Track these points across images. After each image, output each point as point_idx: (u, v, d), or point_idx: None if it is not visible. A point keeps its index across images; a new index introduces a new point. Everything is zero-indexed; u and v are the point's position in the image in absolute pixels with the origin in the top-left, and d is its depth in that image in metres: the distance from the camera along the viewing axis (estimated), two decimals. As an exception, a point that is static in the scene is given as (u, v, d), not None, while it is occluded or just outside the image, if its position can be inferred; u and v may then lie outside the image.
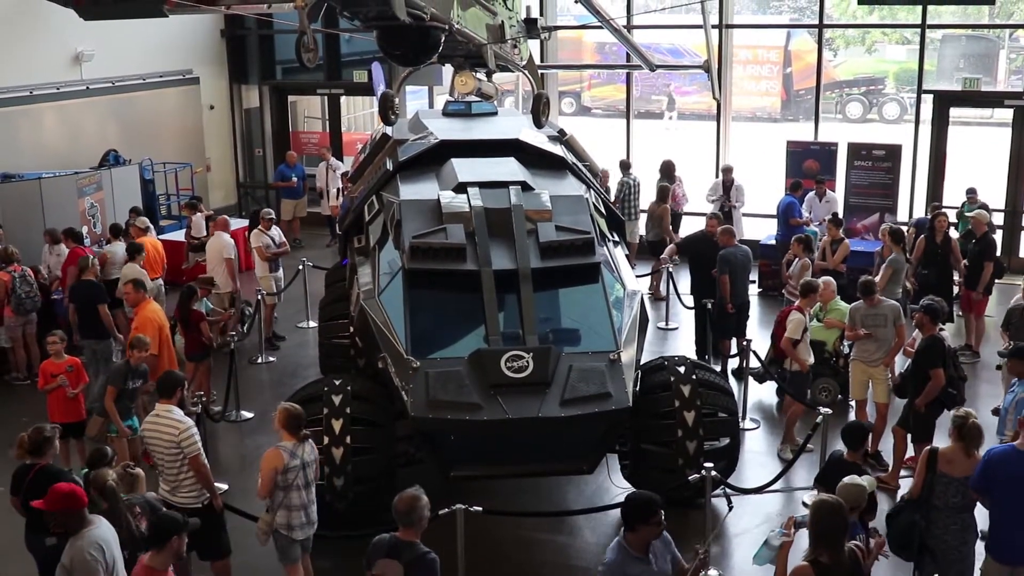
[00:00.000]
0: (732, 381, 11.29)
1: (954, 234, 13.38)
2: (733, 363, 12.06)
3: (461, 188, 9.37)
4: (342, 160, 19.27)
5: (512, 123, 11.54)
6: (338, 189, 17.73)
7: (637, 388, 8.36)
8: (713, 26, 14.82)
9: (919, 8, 16.38)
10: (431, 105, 18.86)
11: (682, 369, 8.87)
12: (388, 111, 10.62)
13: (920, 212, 15.84)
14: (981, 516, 7.13)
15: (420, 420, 7.85)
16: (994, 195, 15.94)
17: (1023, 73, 27.40)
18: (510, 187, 9.33)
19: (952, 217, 13.89)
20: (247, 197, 20.93)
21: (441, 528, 7.22)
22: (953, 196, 15.71)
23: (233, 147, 20.74)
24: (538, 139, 10.81)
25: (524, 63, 12.53)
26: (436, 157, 10.24)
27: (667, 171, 16.19)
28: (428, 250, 8.63)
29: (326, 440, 8.22)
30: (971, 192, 14.75)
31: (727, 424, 8.95)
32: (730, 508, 7.92)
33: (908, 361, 9.68)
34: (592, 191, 10.48)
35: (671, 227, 15.32)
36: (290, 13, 8.68)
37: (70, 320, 11.84)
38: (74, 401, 9.57)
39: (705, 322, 12.14)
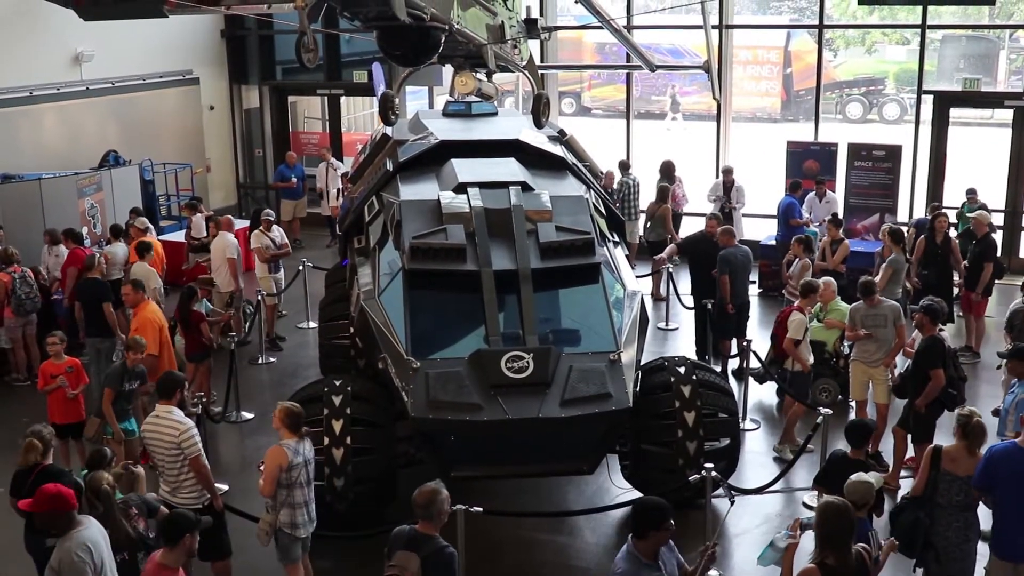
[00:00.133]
0: (732, 381, 11.30)
1: (953, 234, 13.38)
2: (733, 363, 12.06)
3: (461, 188, 9.37)
4: (342, 160, 19.27)
5: (512, 123, 11.54)
6: (338, 189, 17.72)
7: (637, 388, 8.36)
8: (713, 26, 14.80)
9: (919, 8, 16.38)
10: (431, 105, 18.87)
11: (682, 370, 8.86)
12: (388, 111, 10.62)
13: (920, 213, 15.83)
14: (983, 516, 7.13)
15: (420, 421, 7.85)
16: (994, 196, 15.94)
17: (1023, 74, 27.39)
18: (510, 187, 9.32)
19: (952, 218, 13.89)
20: (247, 198, 20.93)
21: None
22: (953, 197, 15.71)
23: (233, 148, 20.74)
24: (538, 139, 10.80)
25: (524, 63, 12.53)
26: (436, 157, 10.24)
27: (667, 171, 16.19)
28: (428, 250, 8.63)
29: (326, 441, 8.22)
30: (971, 192, 14.75)
31: (727, 424, 8.95)
32: (732, 502, 7.91)
33: (908, 361, 9.68)
34: (592, 191, 10.48)
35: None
36: (290, 13, 8.69)
37: (75, 317, 11.86)
38: (74, 402, 9.56)
39: (705, 322, 12.14)
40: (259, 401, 11.57)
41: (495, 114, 11.89)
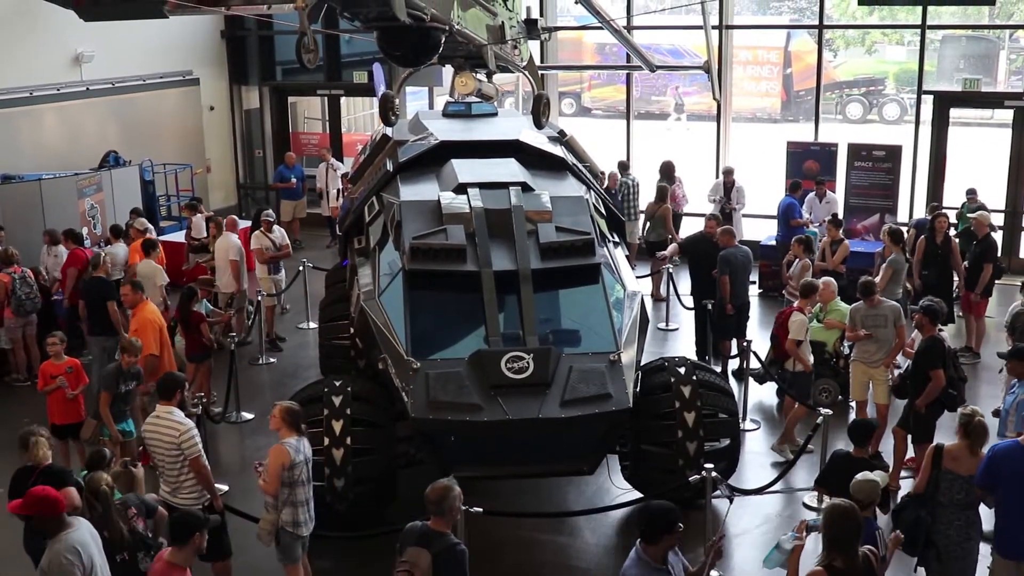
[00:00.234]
0: (732, 382, 11.30)
1: (952, 233, 13.37)
2: (733, 364, 12.06)
3: (461, 189, 9.37)
4: (342, 161, 19.27)
5: (512, 124, 11.54)
6: (338, 190, 17.73)
7: (637, 389, 8.36)
8: (713, 27, 14.80)
9: (919, 9, 16.38)
10: (431, 106, 18.87)
11: (682, 370, 8.86)
12: (388, 112, 10.62)
13: (920, 213, 15.83)
14: (986, 517, 7.14)
15: (420, 421, 7.85)
16: (994, 196, 15.94)
17: (1023, 74, 27.39)
18: (510, 188, 9.33)
19: (952, 218, 13.89)
20: (247, 198, 20.94)
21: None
22: (953, 197, 15.71)
23: (233, 148, 20.75)
24: (538, 140, 10.81)
25: (524, 64, 12.53)
26: (436, 158, 10.24)
27: (667, 172, 16.18)
28: (428, 251, 8.63)
29: (327, 441, 8.22)
30: (971, 193, 14.75)
31: (727, 425, 8.95)
32: (731, 501, 7.91)
33: (908, 362, 9.68)
34: (592, 192, 10.48)
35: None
36: (290, 14, 8.68)
37: (79, 315, 11.87)
38: (73, 402, 9.56)
39: (705, 323, 12.14)
40: (259, 401, 11.56)
41: (495, 115, 11.89)
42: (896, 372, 10.10)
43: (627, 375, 8.14)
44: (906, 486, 8.58)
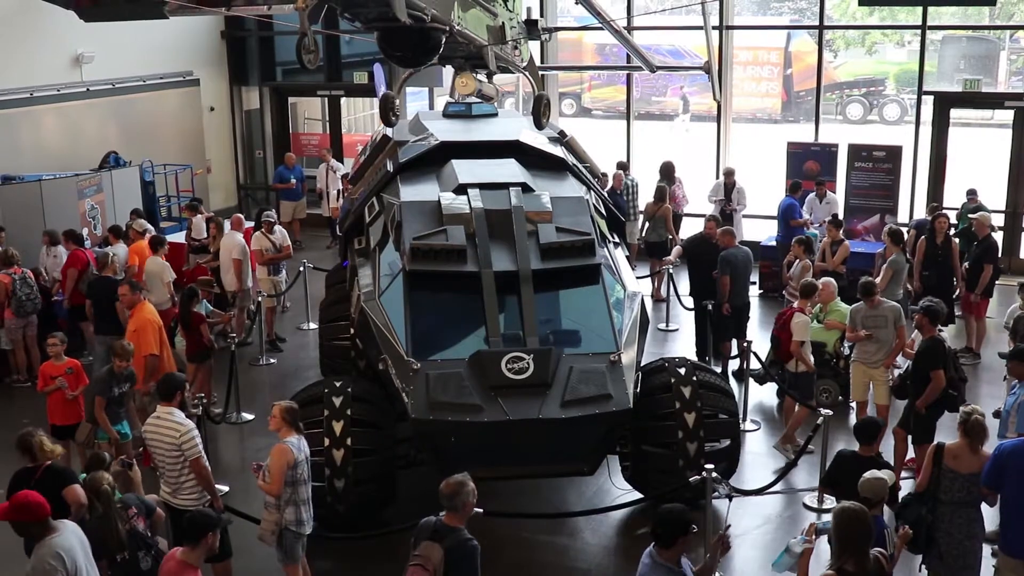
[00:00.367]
0: (732, 382, 11.30)
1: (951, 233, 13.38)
2: (734, 364, 12.06)
3: (461, 189, 9.37)
4: (342, 162, 19.27)
5: (512, 124, 11.54)
6: (338, 191, 17.73)
7: (638, 389, 8.36)
8: (713, 27, 14.79)
9: (919, 9, 16.40)
10: (431, 106, 18.87)
11: (683, 370, 8.86)
12: (389, 112, 10.61)
13: (920, 214, 15.83)
14: (988, 517, 7.13)
15: (421, 422, 7.85)
16: (994, 196, 15.94)
17: (1023, 74, 27.40)
18: (510, 188, 9.32)
19: (953, 218, 13.88)
20: (247, 199, 20.93)
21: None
22: (954, 198, 15.71)
23: (233, 149, 20.75)
24: (538, 140, 10.80)
25: (525, 64, 12.52)
26: (436, 159, 10.24)
27: (667, 172, 16.18)
28: (429, 251, 8.63)
29: (327, 442, 8.22)
30: (971, 193, 14.75)
31: (728, 425, 8.94)
32: (730, 500, 7.90)
33: (908, 362, 9.68)
34: (592, 192, 10.48)
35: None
36: (290, 15, 8.68)
37: (87, 314, 11.87)
38: (73, 403, 9.55)
39: (705, 324, 12.13)
40: (259, 402, 11.56)
41: (495, 115, 11.89)
42: (896, 373, 10.10)
43: (627, 376, 8.14)
44: (906, 487, 8.57)
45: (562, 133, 11.75)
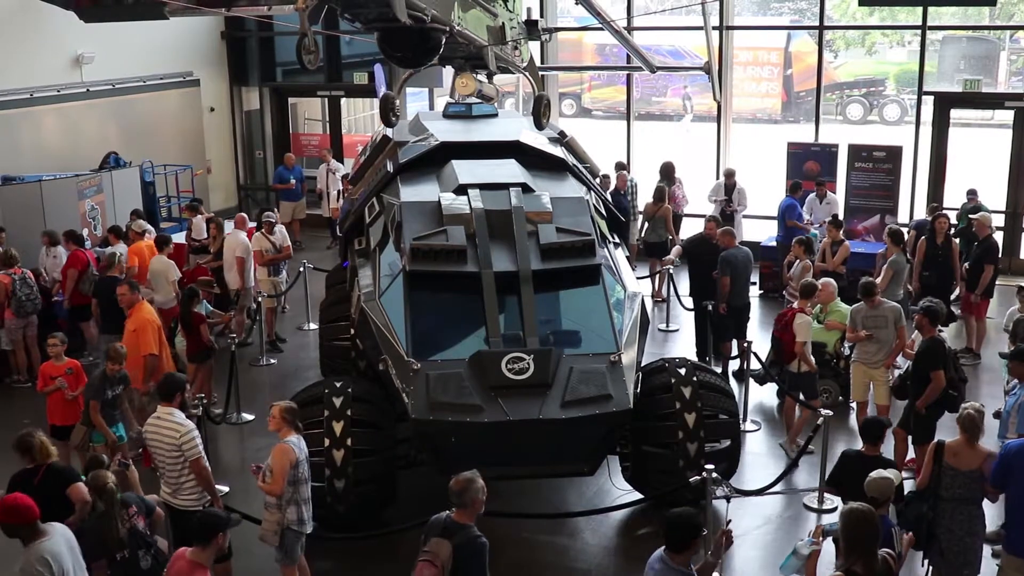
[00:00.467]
0: (733, 383, 11.29)
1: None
2: (734, 365, 12.06)
3: (462, 190, 9.37)
4: (342, 162, 19.27)
5: (512, 125, 11.54)
6: (338, 191, 17.73)
7: (638, 390, 8.36)
8: (713, 28, 14.80)
9: (919, 9, 16.39)
10: (431, 107, 18.88)
11: (683, 371, 8.86)
12: (389, 113, 10.62)
13: (921, 214, 15.83)
14: (991, 517, 7.14)
15: (421, 422, 7.85)
16: (995, 197, 15.94)
17: (1023, 75, 27.40)
18: (510, 189, 9.33)
19: (953, 219, 13.88)
20: (248, 199, 20.93)
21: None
22: (954, 198, 15.71)
23: (233, 149, 20.75)
24: (538, 141, 10.81)
25: (525, 65, 12.53)
26: (436, 159, 10.25)
27: (667, 173, 16.18)
28: (429, 252, 8.63)
29: (327, 442, 8.22)
30: (971, 193, 14.75)
31: (728, 426, 8.94)
32: (728, 500, 7.90)
33: (908, 363, 9.67)
34: (592, 193, 10.48)
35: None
36: (291, 15, 8.69)
37: (92, 313, 11.87)
38: (73, 403, 9.54)
39: (706, 324, 12.12)
40: (260, 403, 11.55)
41: (495, 115, 11.90)
42: (896, 373, 10.10)
43: (628, 376, 8.14)
44: (907, 487, 8.57)
45: (562, 133, 11.75)
